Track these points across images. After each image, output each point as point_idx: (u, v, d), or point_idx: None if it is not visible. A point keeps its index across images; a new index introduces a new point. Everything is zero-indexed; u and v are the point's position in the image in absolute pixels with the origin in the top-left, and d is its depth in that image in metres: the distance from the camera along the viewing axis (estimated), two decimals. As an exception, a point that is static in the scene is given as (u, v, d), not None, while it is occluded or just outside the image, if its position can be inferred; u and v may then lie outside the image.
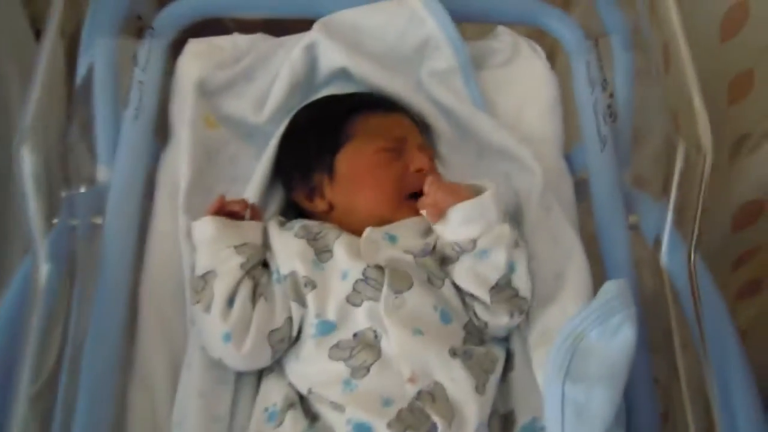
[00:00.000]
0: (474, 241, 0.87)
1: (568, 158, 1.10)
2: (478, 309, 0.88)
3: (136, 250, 0.96)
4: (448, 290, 0.88)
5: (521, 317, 0.89)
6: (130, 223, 0.98)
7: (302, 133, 1.01)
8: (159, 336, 0.93)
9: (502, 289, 0.87)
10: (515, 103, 1.13)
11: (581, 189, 1.07)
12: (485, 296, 0.86)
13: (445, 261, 0.90)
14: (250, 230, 0.95)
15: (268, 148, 1.03)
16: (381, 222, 0.92)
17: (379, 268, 0.86)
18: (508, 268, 0.87)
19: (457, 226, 0.88)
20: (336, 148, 0.96)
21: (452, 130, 1.08)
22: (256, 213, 0.98)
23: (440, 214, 0.88)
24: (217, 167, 1.05)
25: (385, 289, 0.84)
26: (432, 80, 1.09)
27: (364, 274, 0.86)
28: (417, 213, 0.92)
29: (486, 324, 0.88)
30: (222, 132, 1.08)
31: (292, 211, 1.03)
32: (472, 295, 0.88)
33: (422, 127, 1.06)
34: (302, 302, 0.88)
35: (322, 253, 0.90)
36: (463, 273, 0.88)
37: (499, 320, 0.88)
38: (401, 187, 0.95)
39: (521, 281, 0.89)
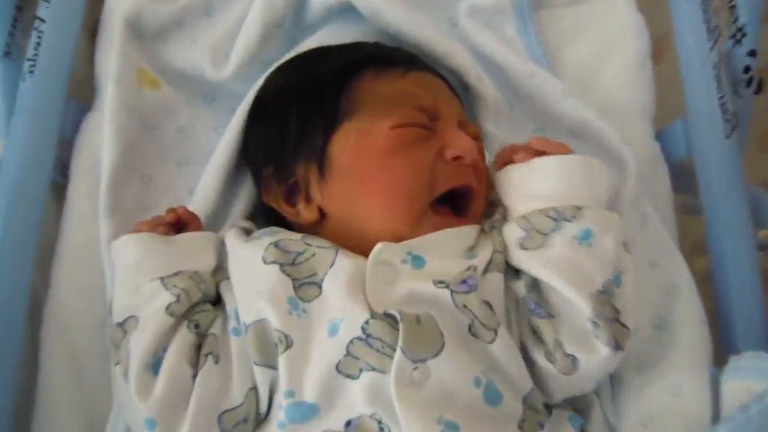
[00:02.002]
0: (578, 209, 0.66)
1: (660, 137, 0.89)
2: (565, 335, 0.65)
3: (38, 268, 0.76)
4: (502, 343, 0.63)
5: (620, 356, 0.65)
6: (29, 226, 0.76)
7: (278, 105, 0.76)
8: (69, 394, 0.74)
9: (606, 299, 0.64)
10: (589, 58, 0.91)
11: (678, 176, 0.86)
12: (584, 304, 0.63)
13: (519, 250, 0.68)
14: (191, 248, 0.72)
15: (235, 117, 0.80)
16: (398, 238, 0.68)
17: (390, 318, 0.62)
18: (614, 272, 0.65)
19: (557, 179, 0.68)
20: (330, 127, 0.71)
21: (501, 95, 0.86)
22: (192, 223, 0.75)
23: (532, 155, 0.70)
24: (159, 145, 0.83)
25: (398, 355, 0.60)
26: (474, 22, 0.88)
27: (364, 330, 0.61)
28: (451, 225, 0.69)
29: (573, 363, 0.64)
30: (166, 93, 0.85)
31: (265, 214, 0.80)
32: (548, 315, 0.65)
33: (463, 93, 0.84)
34: (272, 364, 0.64)
35: (304, 287, 0.65)
36: (554, 260, 0.65)
37: (594, 354, 0.64)
38: (430, 184, 0.69)
39: (625, 302, 0.66)
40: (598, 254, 0.66)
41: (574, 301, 0.64)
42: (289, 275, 0.65)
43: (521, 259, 0.67)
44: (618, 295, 0.65)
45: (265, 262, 0.66)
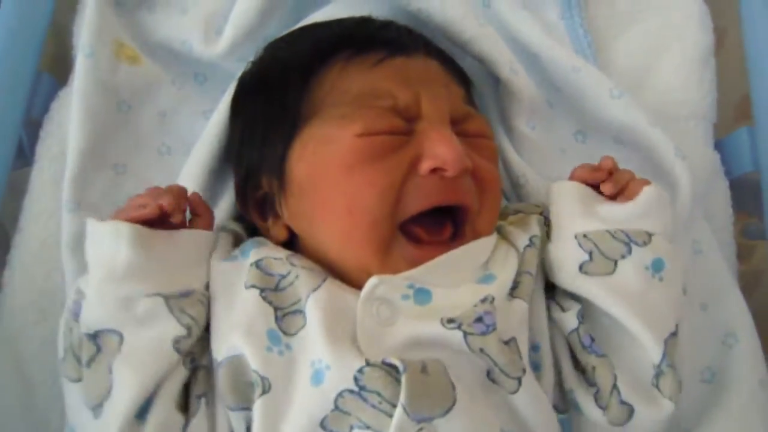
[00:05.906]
0: (649, 236, 0.61)
1: (720, 147, 0.81)
2: (625, 380, 0.59)
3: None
4: (527, 394, 0.56)
5: (673, 409, 0.59)
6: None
7: (249, 98, 0.68)
8: (16, 420, 0.66)
9: (675, 343, 0.59)
10: (642, 51, 0.84)
11: (740, 194, 0.80)
12: (658, 348, 0.58)
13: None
14: (196, 254, 0.61)
15: (224, 98, 0.72)
16: (366, 273, 0.58)
17: (390, 366, 0.52)
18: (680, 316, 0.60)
19: (632, 206, 0.62)
20: (290, 134, 0.62)
21: (538, 91, 0.78)
22: (202, 217, 0.65)
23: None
24: (136, 130, 0.77)
25: (398, 414, 0.51)
26: (510, 3, 0.81)
27: (357, 381, 0.52)
28: (431, 256, 0.58)
29: (629, 413, 0.58)
30: (148, 69, 0.78)
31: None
32: (606, 354, 0.60)
33: (493, 86, 0.76)
34: (248, 405, 0.56)
35: (288, 317, 0.57)
36: (626, 293, 0.59)
37: (654, 407, 0.58)
38: (396, 206, 0.58)
39: (681, 353, 0.60)
40: (670, 291, 0.60)
41: (646, 344, 0.58)
42: (270, 303, 0.57)
43: (583, 285, 0.59)
44: (677, 344, 0.59)
45: (245, 286, 0.58)
